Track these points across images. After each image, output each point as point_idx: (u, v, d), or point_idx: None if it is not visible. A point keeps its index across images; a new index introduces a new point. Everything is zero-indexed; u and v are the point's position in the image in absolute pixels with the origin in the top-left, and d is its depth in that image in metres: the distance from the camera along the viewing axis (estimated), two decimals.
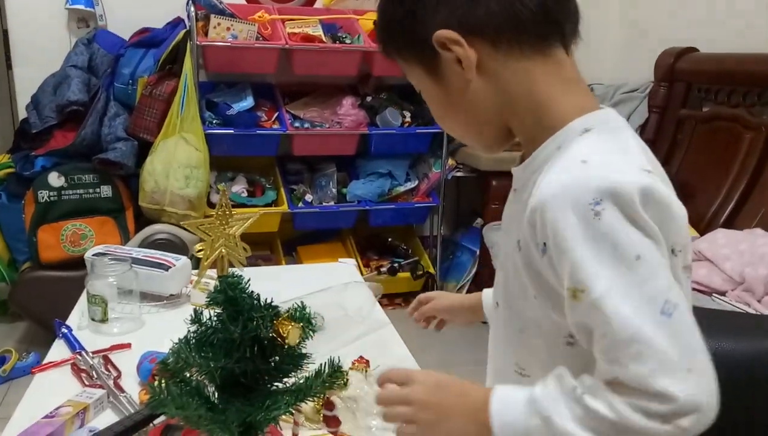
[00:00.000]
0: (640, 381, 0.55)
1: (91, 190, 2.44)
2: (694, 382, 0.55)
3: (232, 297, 0.71)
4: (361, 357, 1.13)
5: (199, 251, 0.68)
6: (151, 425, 0.91)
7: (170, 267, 1.43)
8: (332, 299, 1.41)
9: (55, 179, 2.44)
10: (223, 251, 0.70)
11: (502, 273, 0.74)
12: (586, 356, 0.62)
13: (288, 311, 0.74)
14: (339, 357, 0.78)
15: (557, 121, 0.66)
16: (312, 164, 3.09)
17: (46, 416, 0.93)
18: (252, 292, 0.73)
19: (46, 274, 2.42)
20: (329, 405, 0.93)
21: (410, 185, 3.07)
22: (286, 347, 0.72)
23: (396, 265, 3.11)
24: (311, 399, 0.74)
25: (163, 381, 0.70)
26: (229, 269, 0.75)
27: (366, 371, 1.10)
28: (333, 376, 0.75)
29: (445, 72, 0.68)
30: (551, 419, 0.59)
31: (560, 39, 0.67)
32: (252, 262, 3.30)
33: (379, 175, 3.03)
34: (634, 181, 0.58)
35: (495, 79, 0.67)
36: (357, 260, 3.06)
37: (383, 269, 3.09)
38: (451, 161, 3.06)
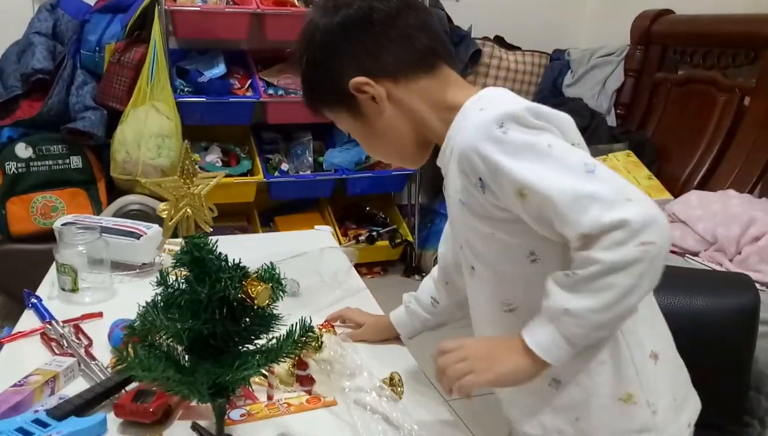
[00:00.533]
0: (595, 224, 0.67)
1: (60, 162, 2.38)
2: (636, 205, 0.67)
3: (198, 258, 0.70)
4: (326, 322, 1.13)
5: (163, 211, 0.66)
6: (123, 391, 0.90)
7: (141, 236, 1.40)
8: (307, 265, 1.40)
9: (22, 150, 2.37)
10: (188, 211, 0.69)
11: (464, 243, 0.85)
12: (550, 265, 0.75)
13: (257, 272, 0.74)
14: (311, 318, 0.77)
15: (456, 111, 0.80)
16: (287, 133, 3.05)
17: (15, 385, 0.91)
18: (220, 253, 0.72)
19: (17, 247, 2.37)
20: (302, 365, 0.93)
21: None
22: (255, 308, 0.72)
23: (374, 233, 3.11)
24: (283, 360, 0.74)
25: (130, 345, 0.69)
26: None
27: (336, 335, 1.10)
28: (305, 336, 0.75)
29: (364, 110, 0.85)
30: (568, 309, 0.70)
31: (442, 58, 0.84)
32: (228, 232, 3.28)
33: (356, 143, 3.00)
34: (522, 103, 0.74)
35: (402, 103, 0.83)
36: (335, 229, 3.06)
37: (361, 238, 3.08)
38: None
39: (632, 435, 0.79)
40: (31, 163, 2.38)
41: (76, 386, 0.97)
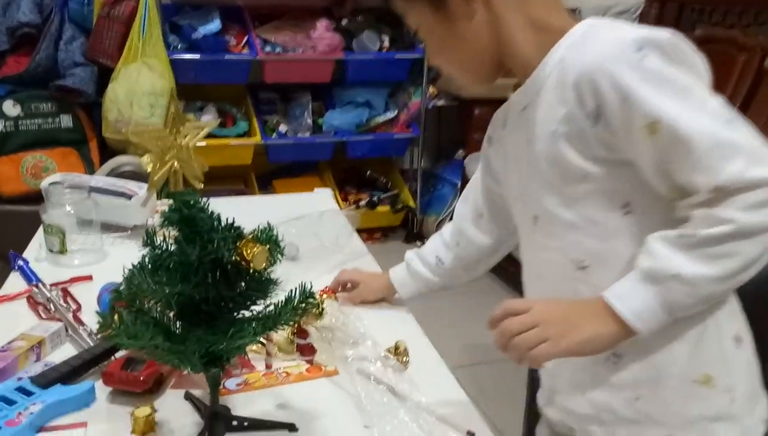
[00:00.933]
0: (737, 177, 0.59)
1: (50, 120, 2.31)
2: None
3: (188, 216, 0.64)
4: (327, 287, 1.08)
5: (147, 164, 0.60)
6: (111, 358, 0.85)
7: (132, 196, 1.34)
8: (307, 228, 1.35)
9: (10, 108, 2.30)
10: (176, 164, 0.63)
11: (537, 187, 0.75)
12: (645, 221, 0.67)
13: (253, 233, 0.68)
14: (311, 284, 0.72)
15: (557, 35, 0.70)
16: (285, 93, 2.97)
17: None
18: (212, 212, 0.66)
19: (7, 208, 2.31)
20: (302, 333, 0.88)
21: (389, 115, 2.97)
22: (251, 272, 0.66)
23: (375, 198, 3.05)
24: (282, 328, 0.69)
25: (115, 310, 0.64)
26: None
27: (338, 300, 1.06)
28: (304, 302, 0.69)
29: (452, 8, 0.73)
30: (680, 275, 0.62)
31: None
32: (225, 196, 3.22)
33: (357, 104, 2.93)
34: (663, 33, 0.64)
35: (498, 12, 0.73)
36: (335, 194, 3.00)
37: (362, 203, 3.03)
38: (431, 90, 2.95)
39: (706, 423, 0.71)
40: (20, 122, 2.30)
41: (63, 353, 0.92)
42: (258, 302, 0.69)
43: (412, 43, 2.86)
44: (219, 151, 2.66)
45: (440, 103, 2.97)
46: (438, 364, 0.91)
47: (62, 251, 1.21)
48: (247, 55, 2.64)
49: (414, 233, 3.14)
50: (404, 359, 0.86)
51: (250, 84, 2.85)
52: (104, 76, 2.40)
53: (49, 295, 1.06)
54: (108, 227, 1.34)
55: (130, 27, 2.36)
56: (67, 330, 0.97)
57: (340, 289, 1.10)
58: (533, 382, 1.32)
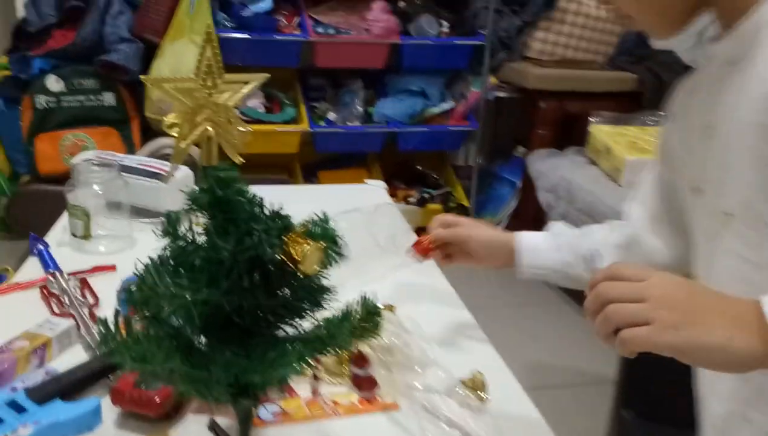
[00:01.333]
0: None
1: (92, 97, 2.21)
2: None
3: (222, 198, 0.48)
4: (424, 239, 0.91)
5: (171, 125, 0.45)
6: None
7: (168, 177, 1.21)
8: (359, 224, 1.19)
9: (53, 83, 2.21)
10: (209, 128, 0.47)
11: (731, 169, 0.60)
12: None
13: (303, 225, 0.52)
14: (374, 294, 0.56)
15: None
16: (336, 79, 2.82)
17: None
18: (253, 195, 0.50)
19: (44, 188, 2.23)
20: (361, 361, 0.71)
21: (445, 106, 2.79)
22: (299, 275, 0.50)
23: (426, 195, 2.88)
24: (334, 352, 0.53)
25: (120, 318, 0.49)
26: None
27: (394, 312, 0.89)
28: (367, 321, 0.53)
29: None
30: None
31: None
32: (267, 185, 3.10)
33: (411, 93, 2.75)
34: None
35: None
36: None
37: (411, 200, 2.86)
38: (492, 79, 2.76)
39: None
40: (62, 98, 2.21)
41: (72, 356, 0.78)
42: (306, 316, 0.53)
43: (474, 28, 2.67)
44: (264, 138, 2.53)
45: (501, 94, 2.77)
46: (522, 401, 0.73)
47: (86, 235, 1.08)
48: (299, 35, 2.50)
49: None
50: (483, 395, 0.69)
51: (300, 69, 2.71)
52: (150, 53, 2.30)
53: (64, 285, 0.93)
54: (139, 212, 1.21)
55: (177, 2, 2.25)
56: (78, 329, 0.83)
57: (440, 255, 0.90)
58: (620, 409, 1.13)
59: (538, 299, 2.47)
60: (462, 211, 2.92)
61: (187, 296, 0.45)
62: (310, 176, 2.92)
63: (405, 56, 2.65)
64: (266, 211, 0.51)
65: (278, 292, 0.51)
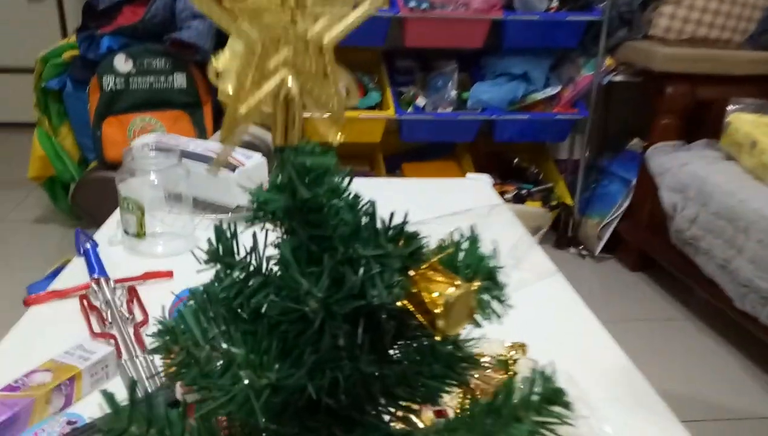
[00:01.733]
0: None
1: (162, 79, 2.12)
2: None
3: (307, 202, 0.29)
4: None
5: (226, 66, 0.26)
6: None
7: (237, 167, 1.05)
8: (474, 230, 0.99)
9: (122, 63, 2.13)
10: (289, 81, 0.28)
11: None
12: None
13: (441, 248, 0.32)
14: (553, 365, 0.35)
15: None
16: (426, 61, 2.62)
17: (6, 388, 0.58)
18: (358, 197, 0.31)
19: (111, 175, 2.16)
20: None
21: (550, 92, 2.53)
22: (434, 336, 0.31)
23: (524, 192, 2.63)
24: None
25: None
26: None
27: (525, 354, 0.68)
28: (543, 408, 0.32)
29: None
30: None
31: None
32: None
33: (511, 77, 2.51)
34: None
35: None
36: None
37: (507, 196, 2.62)
38: (608, 61, 2.47)
39: None
40: (131, 79, 2.13)
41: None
42: (439, 399, 0.33)
43: (589, 2, 2.39)
44: (346, 126, 2.37)
45: (618, 78, 2.47)
46: None
47: (139, 233, 0.93)
48: (387, 11, 2.31)
49: (568, 236, 2.68)
50: None
51: (387, 49, 2.52)
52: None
53: (108, 296, 0.78)
54: (204, 206, 1.06)
55: None
56: (121, 356, 0.67)
57: None
58: None
59: (649, 317, 2.19)
60: (565, 210, 2.65)
61: (243, 376, 0.26)
62: (394, 169, 2.74)
63: (507, 34, 2.41)
64: (380, 225, 0.31)
65: (395, 359, 0.31)
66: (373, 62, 2.58)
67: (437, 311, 0.29)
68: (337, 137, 0.32)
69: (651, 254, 2.38)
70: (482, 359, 0.61)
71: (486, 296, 0.32)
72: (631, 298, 2.33)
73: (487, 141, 2.64)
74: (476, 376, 0.59)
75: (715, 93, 2.24)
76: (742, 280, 1.81)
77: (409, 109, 2.51)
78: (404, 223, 0.31)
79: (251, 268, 0.30)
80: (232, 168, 1.05)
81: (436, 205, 1.11)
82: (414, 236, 0.31)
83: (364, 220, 0.31)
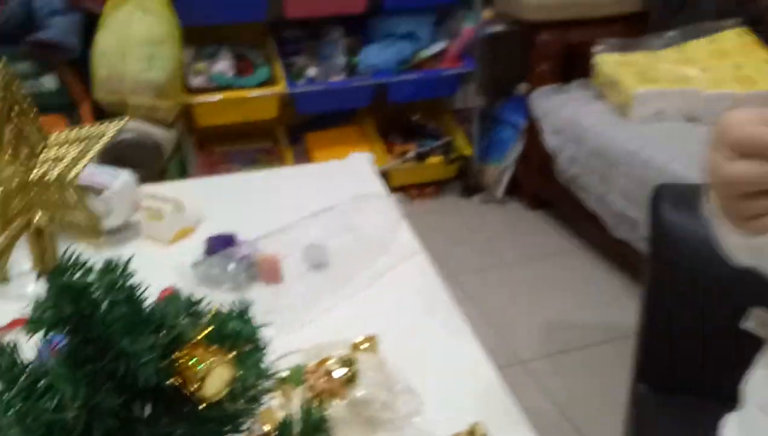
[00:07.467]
0: None
1: (29, 83, 2.05)
2: None
3: (74, 314, 0.35)
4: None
5: None
6: None
7: (103, 190, 1.07)
8: (337, 222, 1.06)
9: None
10: (37, 218, 0.34)
11: None
12: None
13: (206, 326, 0.39)
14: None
15: None
16: (313, 30, 2.62)
17: None
18: (131, 285, 0.37)
19: None
20: None
21: (437, 48, 2.60)
22: (199, 403, 0.37)
23: (425, 149, 2.73)
24: None
25: None
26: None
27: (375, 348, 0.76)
28: None
29: None
30: None
31: None
32: (251, 157, 2.94)
33: (398, 37, 2.56)
34: None
35: None
36: (382, 145, 2.72)
37: (409, 155, 2.72)
38: (487, 13, 2.55)
39: None
40: None
41: None
42: None
43: None
44: (237, 106, 2.37)
45: (497, 28, 2.56)
46: None
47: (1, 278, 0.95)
48: None
49: (472, 185, 2.81)
50: None
51: (270, 21, 2.51)
52: (92, 25, 2.12)
53: None
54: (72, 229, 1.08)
55: None
56: None
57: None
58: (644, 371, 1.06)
59: (547, 252, 2.38)
60: (465, 160, 2.77)
61: None
62: (297, 140, 2.77)
63: None
64: (154, 313, 0.37)
65: (167, 423, 0.38)
66: (259, 36, 2.57)
67: (195, 384, 0.36)
68: (99, 240, 0.38)
69: (543, 195, 2.54)
70: (328, 362, 0.69)
71: (246, 359, 0.39)
72: (531, 235, 2.51)
73: (384, 103, 2.70)
74: (321, 380, 0.67)
75: (584, 36, 2.36)
76: (615, 211, 1.99)
77: (301, 81, 2.53)
78: (196, 305, 0.38)
79: (28, 370, 0.36)
80: (98, 192, 1.07)
81: (315, 195, 1.16)
82: (174, 326, 0.37)
83: (138, 310, 0.38)
